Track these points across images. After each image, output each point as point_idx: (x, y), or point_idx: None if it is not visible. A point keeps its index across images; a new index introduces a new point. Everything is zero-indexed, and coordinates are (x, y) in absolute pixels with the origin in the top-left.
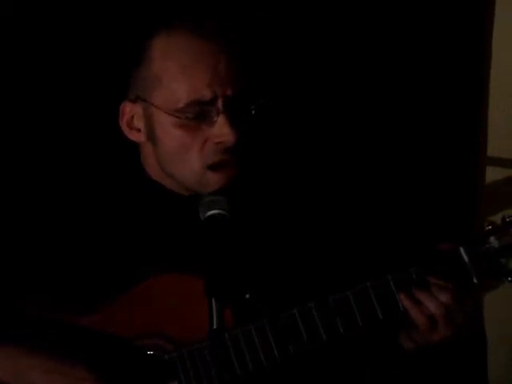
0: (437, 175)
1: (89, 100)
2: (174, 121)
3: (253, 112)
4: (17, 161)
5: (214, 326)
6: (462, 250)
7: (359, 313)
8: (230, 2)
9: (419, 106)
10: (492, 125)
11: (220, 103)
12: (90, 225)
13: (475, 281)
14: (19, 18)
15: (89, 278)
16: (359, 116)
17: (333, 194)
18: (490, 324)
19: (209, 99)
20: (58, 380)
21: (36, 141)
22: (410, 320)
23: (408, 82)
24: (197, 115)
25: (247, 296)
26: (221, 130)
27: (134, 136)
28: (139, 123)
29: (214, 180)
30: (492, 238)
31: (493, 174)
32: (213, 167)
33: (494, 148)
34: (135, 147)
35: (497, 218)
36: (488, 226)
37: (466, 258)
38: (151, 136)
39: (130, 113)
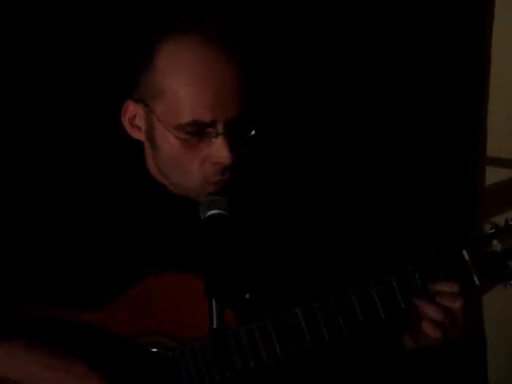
0: (437, 175)
1: (93, 96)
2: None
3: (252, 133)
4: (20, 160)
5: (214, 326)
6: (464, 252)
7: (361, 312)
8: (239, 14)
9: (419, 106)
10: (492, 125)
11: (220, 126)
12: (89, 224)
13: (477, 283)
14: (31, 18)
15: (89, 278)
16: (359, 116)
17: (333, 194)
18: (490, 324)
19: (209, 121)
20: (59, 376)
21: (38, 137)
22: (413, 321)
23: (408, 82)
24: (196, 133)
25: (247, 296)
26: (218, 152)
27: (135, 134)
28: (140, 123)
29: (212, 188)
30: (495, 241)
31: (493, 174)
32: (211, 182)
33: (493, 148)
34: (139, 144)
35: (497, 218)
36: (491, 228)
37: (468, 260)
38: (151, 139)
39: (133, 112)
